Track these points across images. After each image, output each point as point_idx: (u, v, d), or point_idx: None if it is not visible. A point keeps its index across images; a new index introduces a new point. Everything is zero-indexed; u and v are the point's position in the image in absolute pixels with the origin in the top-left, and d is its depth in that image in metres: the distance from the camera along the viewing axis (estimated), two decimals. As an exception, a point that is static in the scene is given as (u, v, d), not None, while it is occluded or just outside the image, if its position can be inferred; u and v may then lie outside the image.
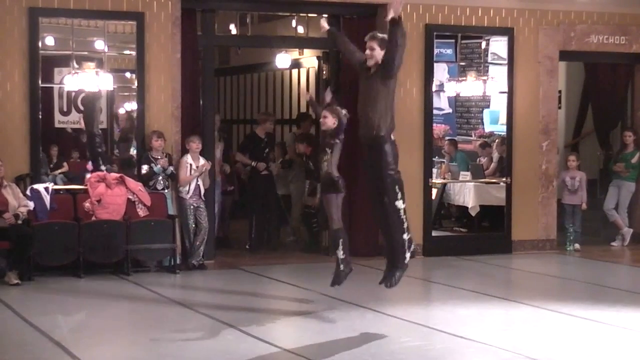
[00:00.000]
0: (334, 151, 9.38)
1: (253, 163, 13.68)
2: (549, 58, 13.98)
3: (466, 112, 16.39)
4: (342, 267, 9.46)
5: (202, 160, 12.22)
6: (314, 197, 13.64)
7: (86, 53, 12.73)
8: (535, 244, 13.99)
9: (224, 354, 8.01)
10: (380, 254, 13.18)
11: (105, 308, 10.01)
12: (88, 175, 12.13)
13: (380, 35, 8.91)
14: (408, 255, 9.09)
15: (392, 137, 9.05)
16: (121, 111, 13.59)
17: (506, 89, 13.88)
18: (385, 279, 9.18)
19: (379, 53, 8.81)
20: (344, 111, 9.42)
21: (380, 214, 9.05)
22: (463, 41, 14.33)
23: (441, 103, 15.80)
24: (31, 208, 11.37)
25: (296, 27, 13.96)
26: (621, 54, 14.45)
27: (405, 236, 9.01)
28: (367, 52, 8.88)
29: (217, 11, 13.04)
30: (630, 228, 14.55)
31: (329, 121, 9.38)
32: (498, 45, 14.50)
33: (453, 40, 14.53)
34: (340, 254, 9.46)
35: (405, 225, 8.99)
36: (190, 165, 12.14)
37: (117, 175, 11.96)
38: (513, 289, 11.81)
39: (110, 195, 11.73)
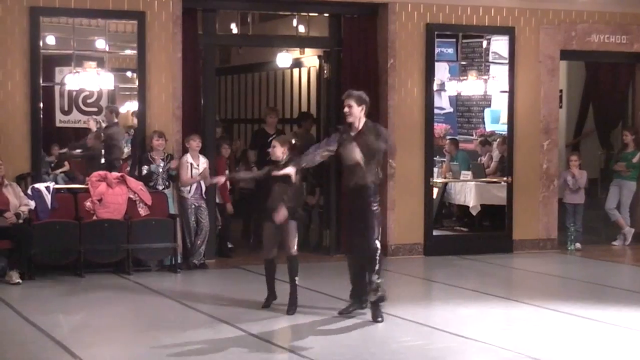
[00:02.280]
0: (293, 188, 9.50)
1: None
2: (550, 57, 13.97)
3: (467, 111, 16.40)
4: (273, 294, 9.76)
5: (202, 159, 12.22)
6: (312, 195, 13.67)
7: (87, 52, 12.74)
8: (536, 244, 13.98)
9: (224, 354, 8.01)
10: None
11: (106, 307, 10.02)
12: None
13: (356, 93, 9.30)
14: (373, 296, 9.19)
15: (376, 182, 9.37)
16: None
17: (507, 89, 13.87)
18: (346, 310, 9.43)
19: (356, 110, 9.16)
20: (293, 140, 9.68)
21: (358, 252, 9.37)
22: (464, 40, 14.33)
23: (442, 102, 15.81)
24: (32, 207, 11.38)
25: (297, 26, 13.96)
26: (622, 54, 14.45)
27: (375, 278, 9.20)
28: (346, 109, 9.20)
29: (218, 10, 13.04)
30: (632, 228, 14.54)
31: (278, 151, 9.52)
32: (499, 45, 14.51)
33: (454, 40, 14.53)
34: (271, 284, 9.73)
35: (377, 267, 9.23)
36: (191, 164, 12.13)
37: (118, 174, 11.97)
38: (514, 288, 11.81)
39: (111, 194, 11.73)
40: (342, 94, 13.13)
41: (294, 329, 9.06)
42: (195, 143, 12.17)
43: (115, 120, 13.77)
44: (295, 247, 9.58)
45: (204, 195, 12.30)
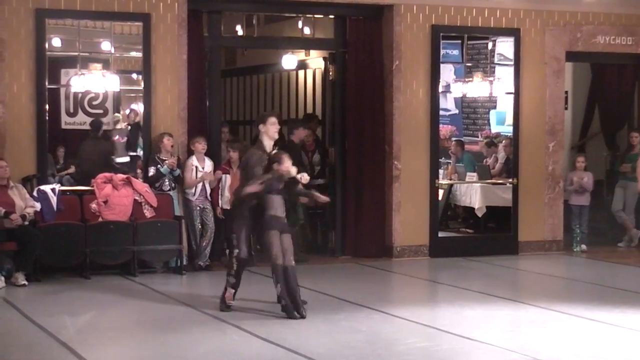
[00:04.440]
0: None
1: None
2: (555, 59, 13.96)
3: (472, 113, 16.38)
4: (283, 302, 9.40)
5: (207, 161, 12.23)
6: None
7: (93, 54, 12.77)
8: (541, 245, 13.97)
9: (229, 355, 8.02)
10: (385, 254, 13.24)
11: (111, 309, 10.03)
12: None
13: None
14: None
15: None
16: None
17: (513, 90, 13.87)
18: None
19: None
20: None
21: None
22: (469, 42, 14.32)
23: (447, 104, 15.78)
24: (38, 209, 11.38)
25: (302, 28, 13.96)
26: (628, 55, 14.44)
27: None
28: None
29: (224, 12, 13.06)
30: (639, 230, 14.50)
31: (288, 166, 9.50)
32: (504, 46, 14.49)
33: (459, 41, 14.52)
34: (278, 289, 9.43)
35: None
36: (196, 167, 12.14)
37: (124, 176, 11.98)
38: (519, 290, 11.80)
39: (116, 196, 11.74)
40: (347, 96, 13.29)
41: (300, 330, 9.05)
42: (200, 146, 12.17)
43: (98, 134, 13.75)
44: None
45: (209, 197, 12.30)
